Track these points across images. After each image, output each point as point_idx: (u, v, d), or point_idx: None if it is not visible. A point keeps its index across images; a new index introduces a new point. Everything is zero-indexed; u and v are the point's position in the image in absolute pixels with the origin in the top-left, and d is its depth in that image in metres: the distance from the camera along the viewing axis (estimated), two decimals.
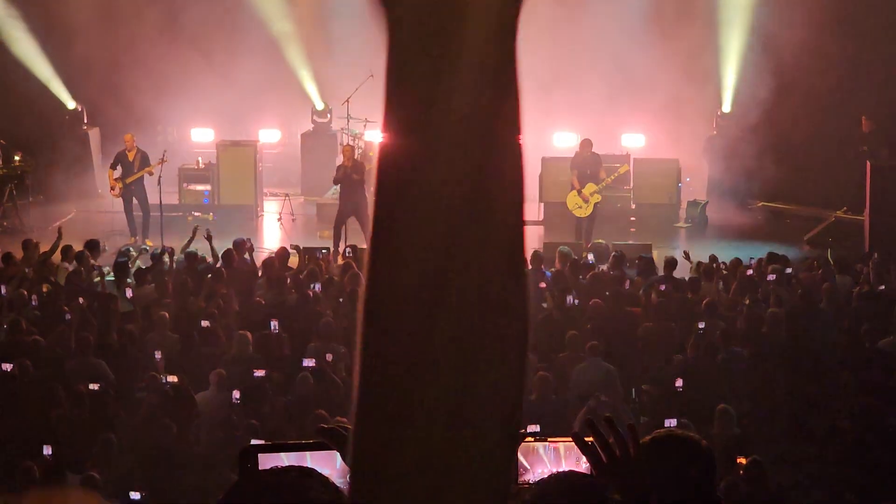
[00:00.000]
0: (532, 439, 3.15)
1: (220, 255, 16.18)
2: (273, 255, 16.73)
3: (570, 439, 2.90)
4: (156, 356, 12.54)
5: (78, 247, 16.62)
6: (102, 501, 9.08)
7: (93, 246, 16.70)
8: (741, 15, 24.59)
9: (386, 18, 1.22)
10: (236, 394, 11.51)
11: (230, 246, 16.49)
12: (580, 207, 20.45)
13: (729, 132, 24.49)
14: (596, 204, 20.37)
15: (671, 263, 16.07)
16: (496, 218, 1.22)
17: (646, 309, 14.37)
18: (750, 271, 15.76)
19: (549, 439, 3.13)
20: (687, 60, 23.87)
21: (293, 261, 16.86)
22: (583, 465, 3.01)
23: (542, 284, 14.96)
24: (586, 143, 20.82)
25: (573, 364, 12.44)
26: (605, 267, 16.43)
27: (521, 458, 3.13)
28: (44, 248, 17.03)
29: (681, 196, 23.78)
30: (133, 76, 24.32)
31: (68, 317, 13.33)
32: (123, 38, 24.90)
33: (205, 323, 13.27)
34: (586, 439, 2.73)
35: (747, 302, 14.41)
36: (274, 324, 13.18)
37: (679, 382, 11.87)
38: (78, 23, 24.24)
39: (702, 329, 13.11)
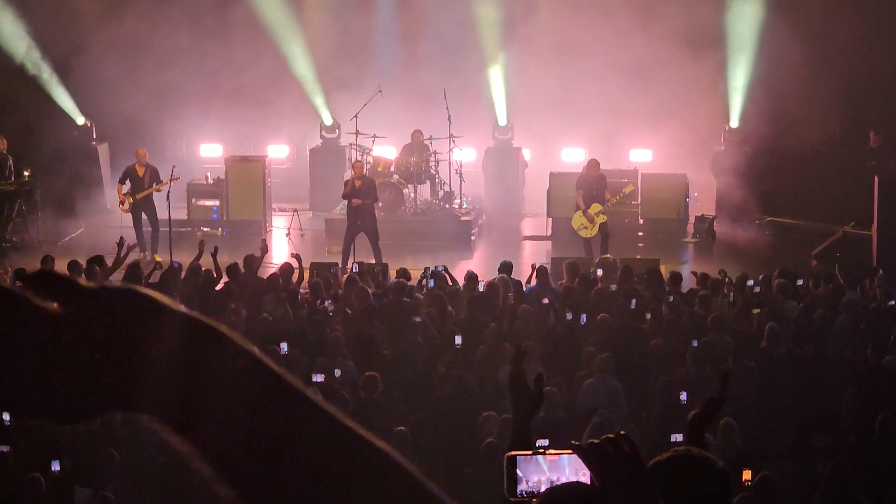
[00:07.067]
0: (530, 452, 3.15)
1: (224, 270, 16.23)
2: (277, 271, 16.72)
3: (570, 451, 2.90)
4: None
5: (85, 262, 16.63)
6: None
7: (98, 262, 16.68)
8: (748, 31, 24.61)
9: None
10: None
11: (238, 260, 16.53)
12: (586, 228, 20.41)
13: (736, 147, 24.51)
14: (602, 224, 20.33)
15: (677, 279, 16.09)
16: None
17: (654, 324, 14.36)
18: (756, 288, 15.77)
19: (548, 451, 3.13)
20: (694, 76, 23.90)
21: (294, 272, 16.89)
22: (580, 477, 3.01)
23: (546, 300, 14.94)
24: (593, 164, 20.78)
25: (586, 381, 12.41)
26: (613, 285, 16.40)
27: (518, 470, 3.13)
28: (59, 263, 17.09)
29: (689, 211, 23.79)
30: (142, 92, 24.37)
31: None
32: (132, 54, 24.97)
33: None
34: (588, 448, 2.73)
35: (756, 311, 14.41)
36: (283, 345, 13.14)
37: (683, 396, 11.85)
38: (87, 40, 24.34)
39: (696, 345, 13.12)
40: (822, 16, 22.81)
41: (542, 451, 3.14)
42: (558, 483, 3.07)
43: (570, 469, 3.06)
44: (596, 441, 2.69)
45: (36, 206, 22.84)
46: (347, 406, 11.90)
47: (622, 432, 2.70)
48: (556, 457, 3.09)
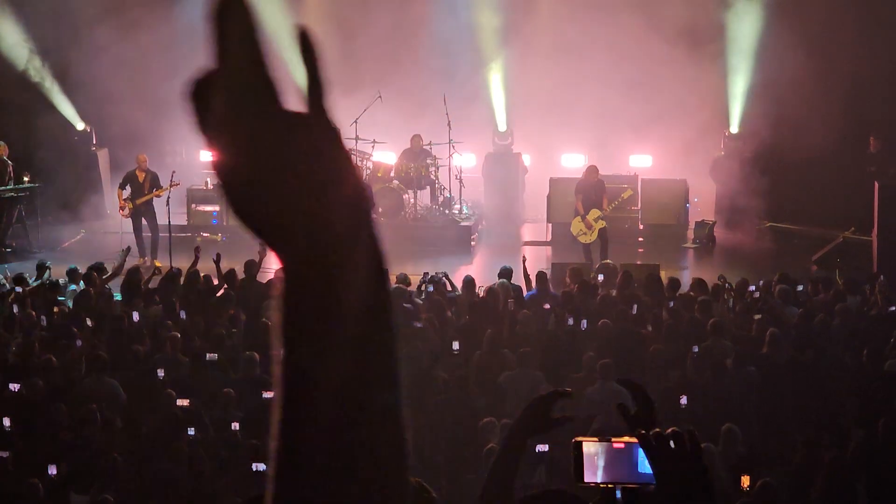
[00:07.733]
0: (596, 439, 3.11)
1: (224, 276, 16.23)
2: (274, 275, 16.69)
3: (634, 439, 2.88)
4: (159, 373, 12.52)
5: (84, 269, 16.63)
6: None
7: (98, 269, 16.68)
8: (749, 36, 24.62)
9: None
10: (235, 425, 11.39)
11: (238, 266, 16.51)
12: (584, 234, 20.42)
13: (736, 152, 24.50)
14: (601, 230, 20.33)
15: (675, 284, 16.07)
16: None
17: (654, 330, 14.34)
18: (756, 293, 15.76)
19: (613, 439, 3.09)
20: (694, 81, 23.89)
21: None
22: (644, 466, 2.97)
23: (547, 306, 14.93)
24: (592, 170, 20.80)
25: (586, 386, 12.37)
26: (613, 290, 16.39)
27: (585, 458, 3.09)
28: (55, 269, 17.10)
29: (689, 216, 23.79)
30: (141, 97, 24.36)
31: (79, 342, 13.29)
32: (132, 58, 24.96)
33: (210, 356, 13.17)
34: (652, 438, 2.72)
35: (757, 317, 14.40)
36: None
37: (684, 401, 11.85)
38: (87, 44, 24.33)
39: (696, 352, 13.12)
40: (822, 21, 22.80)
41: (602, 438, 3.11)
42: (620, 469, 3.05)
43: (636, 457, 3.03)
44: (660, 432, 2.69)
45: (36, 212, 22.83)
46: None
47: (690, 428, 2.70)
48: (623, 444, 3.07)
